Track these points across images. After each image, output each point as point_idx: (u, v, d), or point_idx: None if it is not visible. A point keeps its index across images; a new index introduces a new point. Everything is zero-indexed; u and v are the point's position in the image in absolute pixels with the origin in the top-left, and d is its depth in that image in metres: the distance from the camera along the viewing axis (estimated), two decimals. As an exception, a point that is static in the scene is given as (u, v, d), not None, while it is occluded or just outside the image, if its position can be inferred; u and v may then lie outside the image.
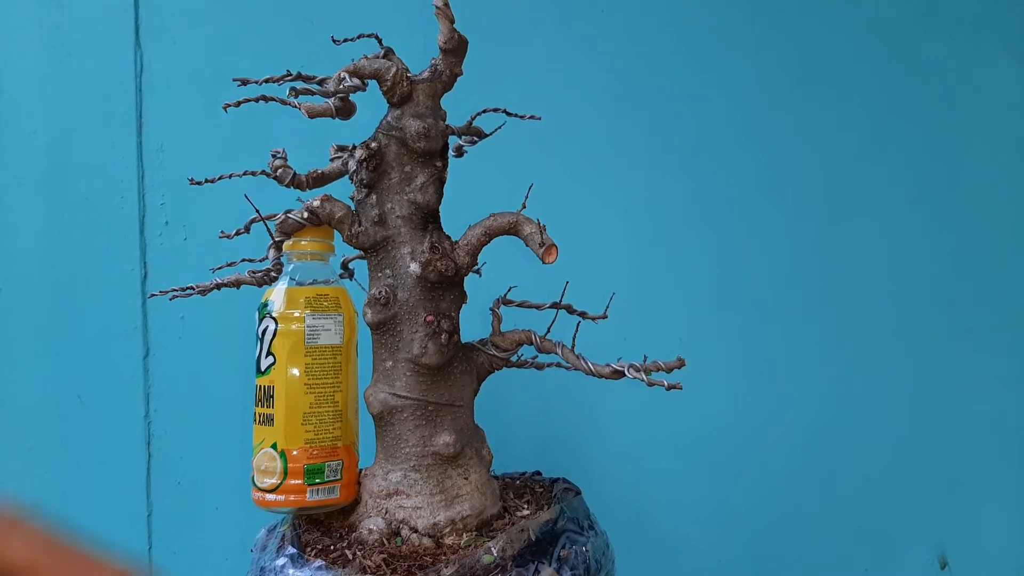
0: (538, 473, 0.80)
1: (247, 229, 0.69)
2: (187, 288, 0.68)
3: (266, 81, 0.62)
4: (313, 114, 0.61)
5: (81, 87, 1.03)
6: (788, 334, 1.13)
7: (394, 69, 0.62)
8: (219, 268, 0.72)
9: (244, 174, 0.66)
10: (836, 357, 1.14)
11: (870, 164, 1.15)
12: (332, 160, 0.67)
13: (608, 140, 1.11)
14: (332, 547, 0.61)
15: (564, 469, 0.80)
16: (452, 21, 0.61)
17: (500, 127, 0.74)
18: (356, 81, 0.61)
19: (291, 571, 0.57)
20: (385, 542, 0.61)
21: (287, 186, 0.63)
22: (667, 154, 1.12)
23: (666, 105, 1.12)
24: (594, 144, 1.11)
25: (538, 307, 0.72)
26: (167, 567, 1.03)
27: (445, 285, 0.64)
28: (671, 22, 1.12)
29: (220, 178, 0.67)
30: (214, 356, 1.03)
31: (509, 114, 0.74)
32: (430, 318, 0.63)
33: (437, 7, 0.60)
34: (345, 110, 0.63)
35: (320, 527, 0.65)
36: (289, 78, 0.62)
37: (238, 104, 0.61)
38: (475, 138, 0.74)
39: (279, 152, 0.64)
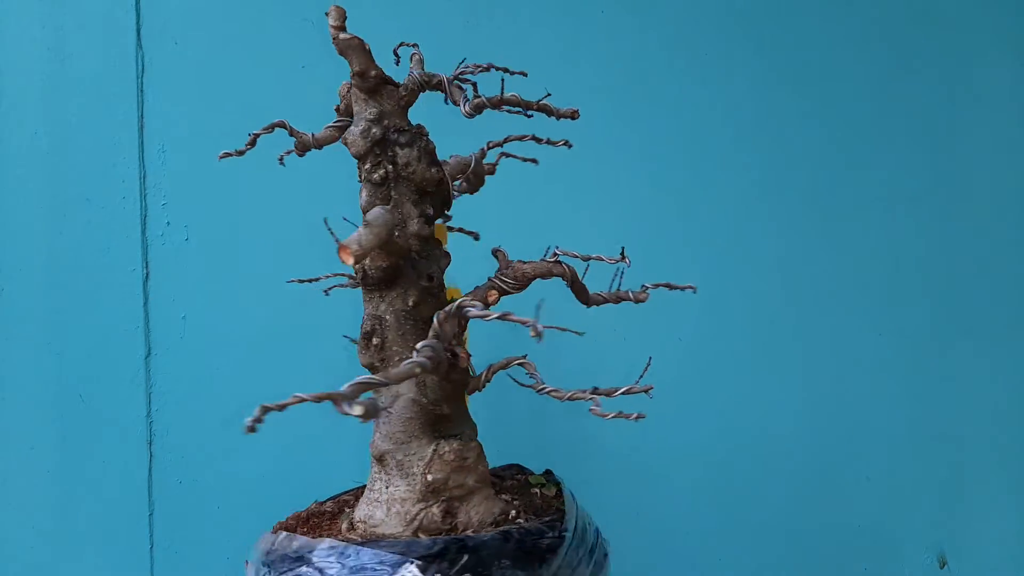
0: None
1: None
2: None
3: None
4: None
5: (83, 88, 1.03)
6: (788, 334, 1.13)
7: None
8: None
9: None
10: (836, 357, 1.14)
11: (869, 164, 1.15)
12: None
13: (608, 140, 1.11)
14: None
15: (564, 469, 0.80)
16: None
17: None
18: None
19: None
20: None
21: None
22: (667, 154, 1.12)
23: (666, 105, 1.12)
24: (593, 144, 1.11)
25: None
26: (168, 566, 1.03)
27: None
28: (670, 23, 1.12)
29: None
30: (215, 356, 1.03)
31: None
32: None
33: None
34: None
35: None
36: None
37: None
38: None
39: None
